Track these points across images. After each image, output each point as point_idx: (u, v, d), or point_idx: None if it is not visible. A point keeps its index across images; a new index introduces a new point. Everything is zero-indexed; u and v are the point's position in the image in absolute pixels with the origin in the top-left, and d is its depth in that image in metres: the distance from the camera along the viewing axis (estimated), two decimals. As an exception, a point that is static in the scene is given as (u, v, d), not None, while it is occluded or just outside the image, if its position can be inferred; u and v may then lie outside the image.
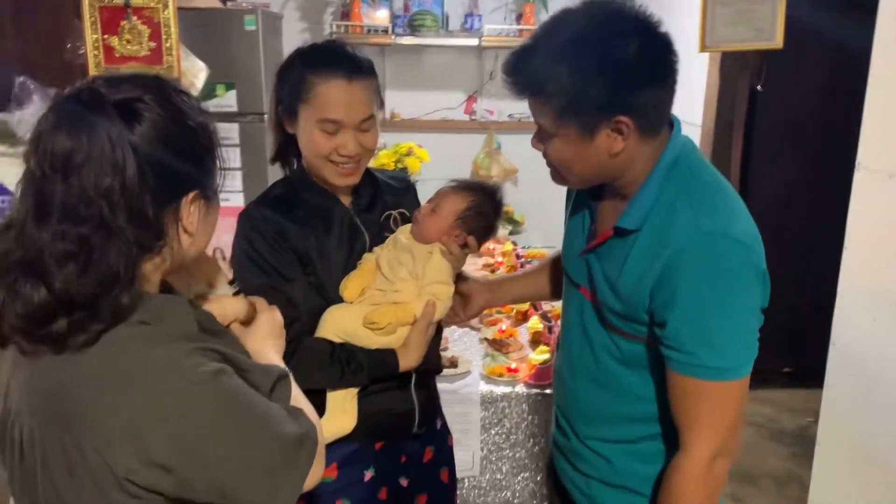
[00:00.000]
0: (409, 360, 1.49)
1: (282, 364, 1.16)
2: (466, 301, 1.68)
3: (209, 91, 3.90)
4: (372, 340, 1.47)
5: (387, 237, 1.56)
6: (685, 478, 1.23)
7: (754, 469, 3.32)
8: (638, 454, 1.37)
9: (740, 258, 1.18)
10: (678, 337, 1.20)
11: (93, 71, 3.07)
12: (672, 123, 1.29)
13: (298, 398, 1.11)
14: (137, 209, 0.89)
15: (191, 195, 0.96)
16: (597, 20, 1.17)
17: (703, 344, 1.18)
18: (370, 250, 1.54)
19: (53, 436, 0.89)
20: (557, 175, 1.30)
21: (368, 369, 1.47)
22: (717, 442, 1.22)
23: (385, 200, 1.61)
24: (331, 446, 1.46)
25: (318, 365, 1.44)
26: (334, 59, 1.44)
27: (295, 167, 1.60)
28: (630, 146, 1.21)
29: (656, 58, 1.18)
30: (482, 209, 1.56)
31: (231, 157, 4.03)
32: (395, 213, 1.60)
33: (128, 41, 3.14)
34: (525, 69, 1.19)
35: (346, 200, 1.56)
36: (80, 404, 0.88)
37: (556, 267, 1.66)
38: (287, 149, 1.57)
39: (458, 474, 2.03)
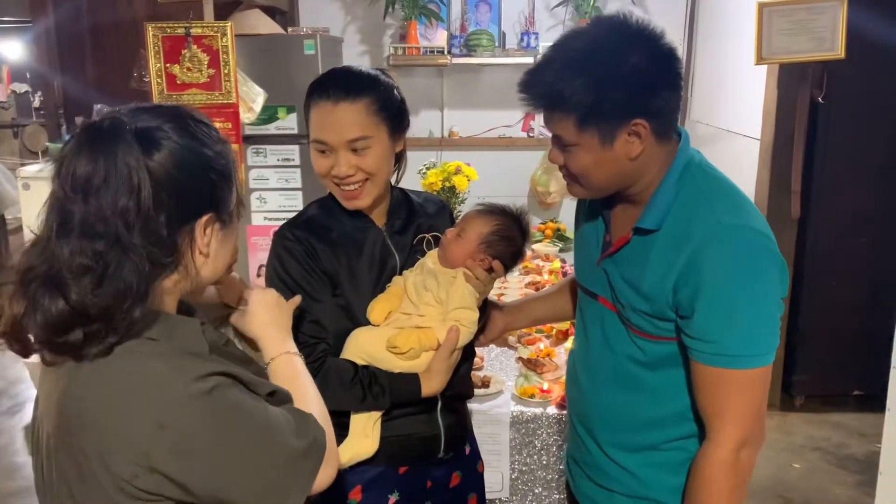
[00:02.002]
0: (431, 386, 1.48)
1: (289, 345, 1.21)
2: (485, 324, 1.69)
3: (271, 114, 4.04)
4: (395, 364, 1.47)
5: (418, 259, 1.57)
6: (712, 467, 1.26)
7: (817, 497, 3.17)
8: (664, 464, 1.37)
9: (761, 248, 1.23)
10: (704, 327, 1.23)
11: (156, 98, 3.23)
12: (680, 135, 1.34)
13: (310, 398, 1.15)
14: (152, 229, 0.95)
15: (204, 218, 1.02)
16: (605, 32, 1.26)
17: (729, 332, 1.22)
18: (401, 273, 1.55)
19: (64, 440, 0.96)
20: (576, 186, 1.34)
21: (390, 393, 1.47)
22: (744, 430, 1.24)
23: (419, 223, 1.62)
24: (355, 469, 1.50)
25: (340, 386, 1.45)
26: (327, 83, 1.49)
27: None
28: (647, 149, 1.26)
29: (665, 63, 1.24)
30: (508, 233, 1.55)
31: (292, 177, 4.18)
32: (428, 235, 1.60)
33: (188, 69, 3.28)
34: (542, 84, 1.25)
35: (379, 222, 1.57)
36: (83, 411, 0.94)
37: (576, 287, 1.65)
38: None
39: (488, 496, 2.02)
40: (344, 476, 1.50)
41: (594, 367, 1.45)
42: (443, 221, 1.67)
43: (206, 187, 1.02)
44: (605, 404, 1.43)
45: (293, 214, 1.61)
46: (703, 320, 1.22)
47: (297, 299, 1.29)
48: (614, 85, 1.19)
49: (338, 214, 1.55)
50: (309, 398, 1.15)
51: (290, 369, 1.18)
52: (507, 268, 1.58)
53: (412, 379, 1.48)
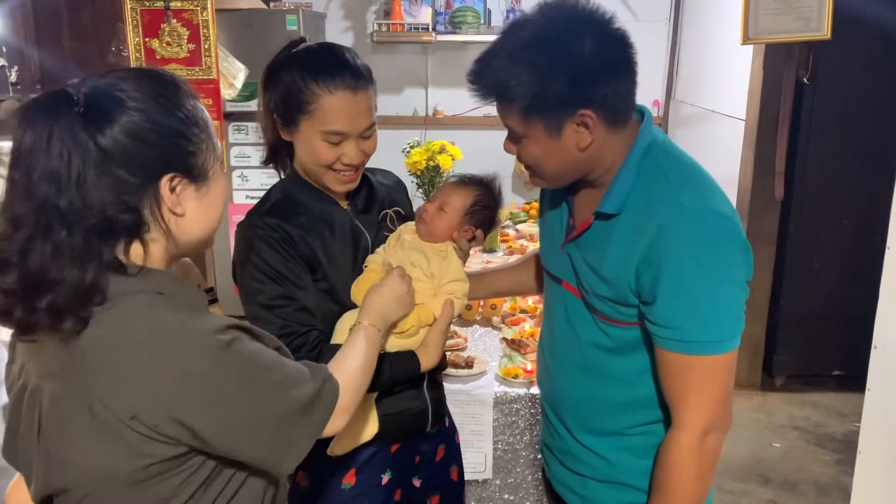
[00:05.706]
0: (429, 360, 1.49)
1: (380, 323, 1.31)
2: None
3: (252, 91, 3.96)
4: (390, 343, 1.47)
5: (385, 236, 1.56)
6: (679, 452, 1.25)
7: (796, 475, 3.21)
8: (632, 448, 1.37)
9: (724, 231, 1.21)
10: (665, 312, 1.21)
11: (135, 73, 3.16)
12: (643, 114, 1.31)
13: (355, 364, 1.21)
14: (93, 195, 0.93)
15: (164, 178, 0.99)
16: (552, 20, 1.20)
17: (691, 318, 1.20)
18: (373, 251, 1.54)
19: (75, 395, 0.94)
20: (534, 176, 1.32)
21: (392, 372, 1.46)
22: (709, 416, 1.24)
23: (381, 200, 1.62)
24: (349, 453, 1.50)
25: None
26: (338, 68, 1.42)
27: (288, 169, 1.57)
28: (598, 138, 1.23)
29: (612, 52, 1.20)
30: (487, 202, 1.58)
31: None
32: (390, 211, 1.61)
33: (168, 43, 3.21)
34: (487, 74, 1.22)
35: (343, 203, 1.55)
36: (96, 362, 0.93)
37: (539, 262, 1.65)
38: (279, 150, 1.55)
39: (471, 476, 2.03)
40: (337, 461, 1.51)
41: (560, 352, 1.45)
42: (401, 195, 1.69)
43: (160, 148, 0.99)
44: (572, 390, 1.43)
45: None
46: (664, 306, 1.21)
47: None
48: (556, 76, 1.16)
49: (302, 198, 1.51)
50: (354, 364, 1.20)
51: (366, 337, 1.26)
52: (486, 235, 1.62)
53: (410, 356, 1.49)
